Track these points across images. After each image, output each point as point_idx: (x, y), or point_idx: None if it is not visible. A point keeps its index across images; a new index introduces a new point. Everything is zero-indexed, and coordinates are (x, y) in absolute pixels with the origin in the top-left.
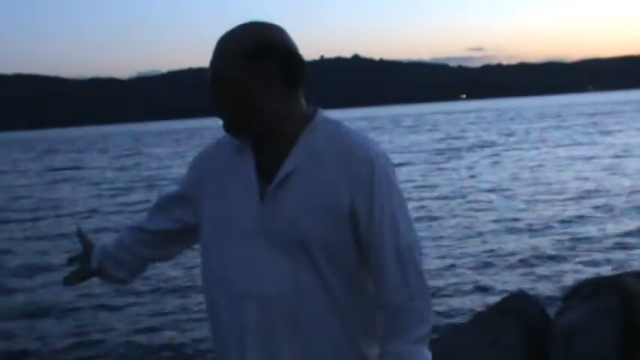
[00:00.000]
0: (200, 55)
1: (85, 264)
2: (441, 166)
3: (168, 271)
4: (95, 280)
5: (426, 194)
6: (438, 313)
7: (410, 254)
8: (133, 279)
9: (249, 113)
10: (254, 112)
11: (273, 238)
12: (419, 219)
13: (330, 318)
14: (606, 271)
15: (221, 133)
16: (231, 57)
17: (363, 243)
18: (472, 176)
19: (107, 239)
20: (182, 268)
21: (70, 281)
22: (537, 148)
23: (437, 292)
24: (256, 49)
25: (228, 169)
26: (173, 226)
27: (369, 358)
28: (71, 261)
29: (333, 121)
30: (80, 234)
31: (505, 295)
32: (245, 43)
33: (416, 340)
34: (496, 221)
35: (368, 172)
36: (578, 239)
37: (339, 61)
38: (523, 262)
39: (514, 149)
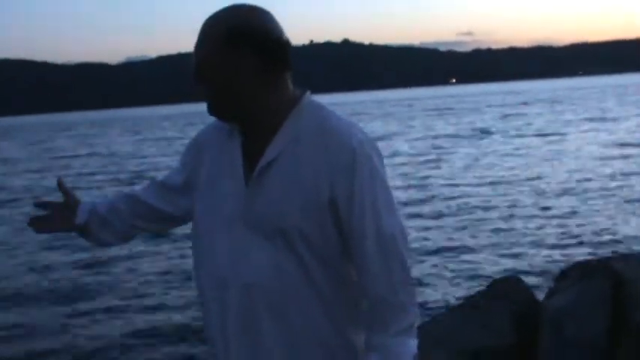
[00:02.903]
0: (190, 40)
1: (65, 216)
2: (438, 152)
3: None
4: None
5: (416, 181)
6: (427, 297)
7: (393, 244)
8: (117, 243)
9: (231, 99)
10: (235, 99)
11: (256, 224)
12: (408, 203)
13: (314, 306)
14: (595, 254)
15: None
16: (212, 43)
17: (344, 232)
18: (465, 164)
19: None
20: None
21: (38, 226)
22: (526, 135)
23: (426, 277)
24: (237, 35)
25: (219, 154)
26: (174, 211)
27: (356, 346)
28: (39, 206)
29: (319, 106)
30: (62, 186)
31: (494, 279)
32: (226, 28)
33: (399, 332)
34: (486, 206)
35: (349, 159)
36: (567, 223)
37: (328, 45)
38: (512, 246)
39: (507, 137)
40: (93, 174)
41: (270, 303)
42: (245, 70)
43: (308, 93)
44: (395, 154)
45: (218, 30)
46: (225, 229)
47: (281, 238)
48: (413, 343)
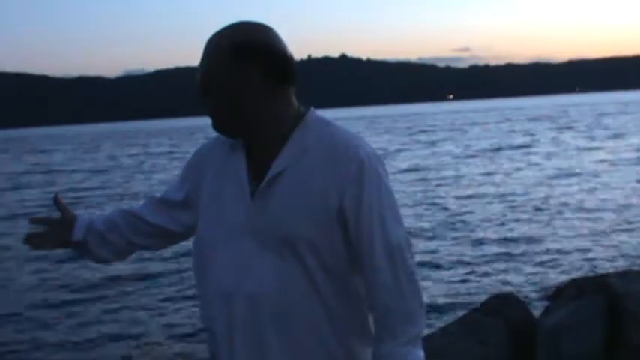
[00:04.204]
0: (187, 54)
1: (62, 232)
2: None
3: None
4: None
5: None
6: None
7: (400, 254)
8: (115, 260)
9: (237, 112)
10: (242, 112)
11: (262, 236)
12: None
13: (320, 317)
14: (590, 271)
15: (211, 133)
16: (218, 57)
17: (352, 243)
18: (465, 181)
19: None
20: None
21: (35, 242)
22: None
23: (422, 293)
24: (244, 49)
25: (223, 167)
26: (173, 228)
27: (361, 358)
28: (36, 222)
29: (325, 120)
30: (58, 202)
31: (490, 295)
32: (233, 43)
33: (407, 341)
34: (482, 222)
35: (357, 171)
36: (563, 240)
37: (326, 60)
38: (508, 263)
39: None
40: (90, 189)
41: (275, 313)
42: (251, 84)
43: (312, 108)
44: (396, 171)
45: (224, 45)
46: (231, 242)
47: (289, 249)
48: (421, 354)
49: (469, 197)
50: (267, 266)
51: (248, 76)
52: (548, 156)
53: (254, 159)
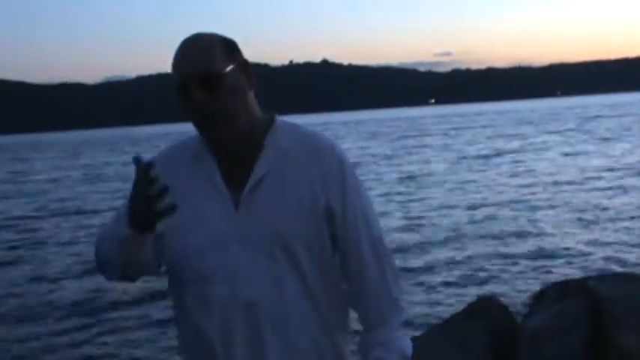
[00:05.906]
0: (169, 60)
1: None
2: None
3: None
4: None
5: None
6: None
7: (382, 246)
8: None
9: (245, 113)
10: (243, 111)
11: (253, 243)
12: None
13: (312, 317)
14: (572, 275)
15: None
16: (219, 55)
17: (338, 239)
18: (447, 187)
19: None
20: None
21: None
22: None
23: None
24: (232, 47)
25: (189, 179)
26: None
27: (345, 356)
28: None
29: (292, 124)
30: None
31: (472, 299)
32: (223, 41)
33: (396, 327)
34: (464, 226)
35: (339, 170)
36: (545, 244)
37: (308, 65)
38: (490, 267)
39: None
40: (69, 199)
41: (273, 318)
42: (248, 80)
43: (276, 115)
44: (382, 176)
45: (216, 44)
46: (216, 251)
47: (283, 253)
48: (408, 339)
49: (453, 202)
50: (260, 272)
51: (246, 73)
52: (533, 161)
53: (227, 166)
